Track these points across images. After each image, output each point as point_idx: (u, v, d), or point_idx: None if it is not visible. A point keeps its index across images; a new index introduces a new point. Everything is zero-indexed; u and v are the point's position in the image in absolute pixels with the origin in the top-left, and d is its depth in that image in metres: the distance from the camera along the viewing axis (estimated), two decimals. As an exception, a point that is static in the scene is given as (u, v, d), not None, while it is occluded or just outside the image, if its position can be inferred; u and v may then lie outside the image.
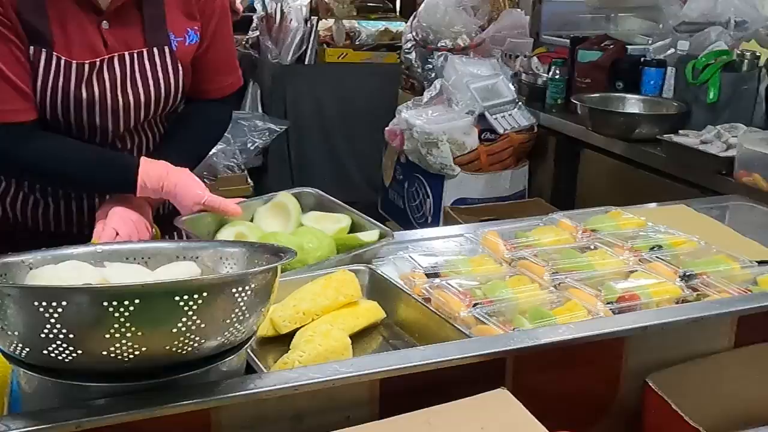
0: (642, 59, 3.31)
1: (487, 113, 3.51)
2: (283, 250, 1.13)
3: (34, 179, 1.57)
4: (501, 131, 3.49)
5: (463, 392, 1.05)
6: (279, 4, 5.04)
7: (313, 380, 1.03)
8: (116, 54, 1.48)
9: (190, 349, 0.94)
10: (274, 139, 3.98)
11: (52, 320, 0.88)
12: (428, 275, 1.47)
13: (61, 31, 1.44)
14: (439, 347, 1.16)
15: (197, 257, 1.18)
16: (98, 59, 1.47)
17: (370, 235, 1.59)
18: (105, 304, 0.87)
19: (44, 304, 0.88)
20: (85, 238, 1.49)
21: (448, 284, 1.41)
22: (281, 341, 1.30)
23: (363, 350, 1.31)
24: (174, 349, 0.93)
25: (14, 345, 0.93)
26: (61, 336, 0.89)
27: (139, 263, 1.16)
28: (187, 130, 1.68)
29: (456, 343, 1.19)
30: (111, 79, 1.49)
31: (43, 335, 0.89)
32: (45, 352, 0.91)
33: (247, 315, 0.98)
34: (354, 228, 1.63)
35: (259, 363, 1.14)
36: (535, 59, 3.81)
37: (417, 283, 1.44)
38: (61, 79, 1.45)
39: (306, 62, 4.90)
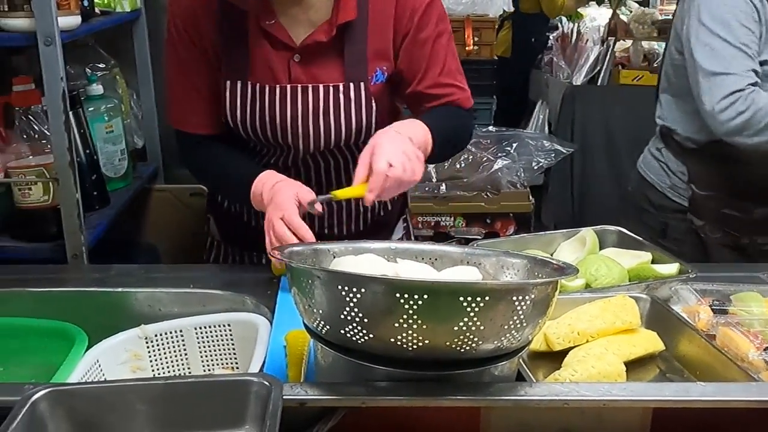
0: None
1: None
2: (565, 267, 1.15)
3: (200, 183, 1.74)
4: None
5: (742, 437, 0.99)
6: (576, 25, 5.01)
7: (584, 397, 1.03)
8: (300, 85, 1.56)
9: (468, 348, 0.99)
10: (559, 161, 3.96)
11: (351, 304, 0.98)
12: (715, 311, 1.39)
13: (255, 63, 1.57)
14: (722, 386, 1.10)
15: (480, 263, 1.24)
16: (289, 85, 1.56)
17: (667, 269, 1.54)
18: (397, 295, 0.96)
19: (346, 288, 0.98)
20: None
21: (737, 323, 1.33)
22: (552, 358, 1.31)
23: (637, 380, 1.27)
24: (454, 346, 0.99)
25: (317, 322, 1.05)
26: (357, 319, 0.99)
27: (426, 263, 1.25)
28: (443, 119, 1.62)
29: (742, 384, 1.12)
30: (303, 106, 1.57)
31: (342, 316, 1.00)
32: (342, 331, 1.01)
33: (524, 324, 1.01)
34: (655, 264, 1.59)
35: (530, 374, 1.17)
36: None
37: (702, 317, 1.37)
38: (257, 103, 1.57)
39: (598, 83, 4.81)
